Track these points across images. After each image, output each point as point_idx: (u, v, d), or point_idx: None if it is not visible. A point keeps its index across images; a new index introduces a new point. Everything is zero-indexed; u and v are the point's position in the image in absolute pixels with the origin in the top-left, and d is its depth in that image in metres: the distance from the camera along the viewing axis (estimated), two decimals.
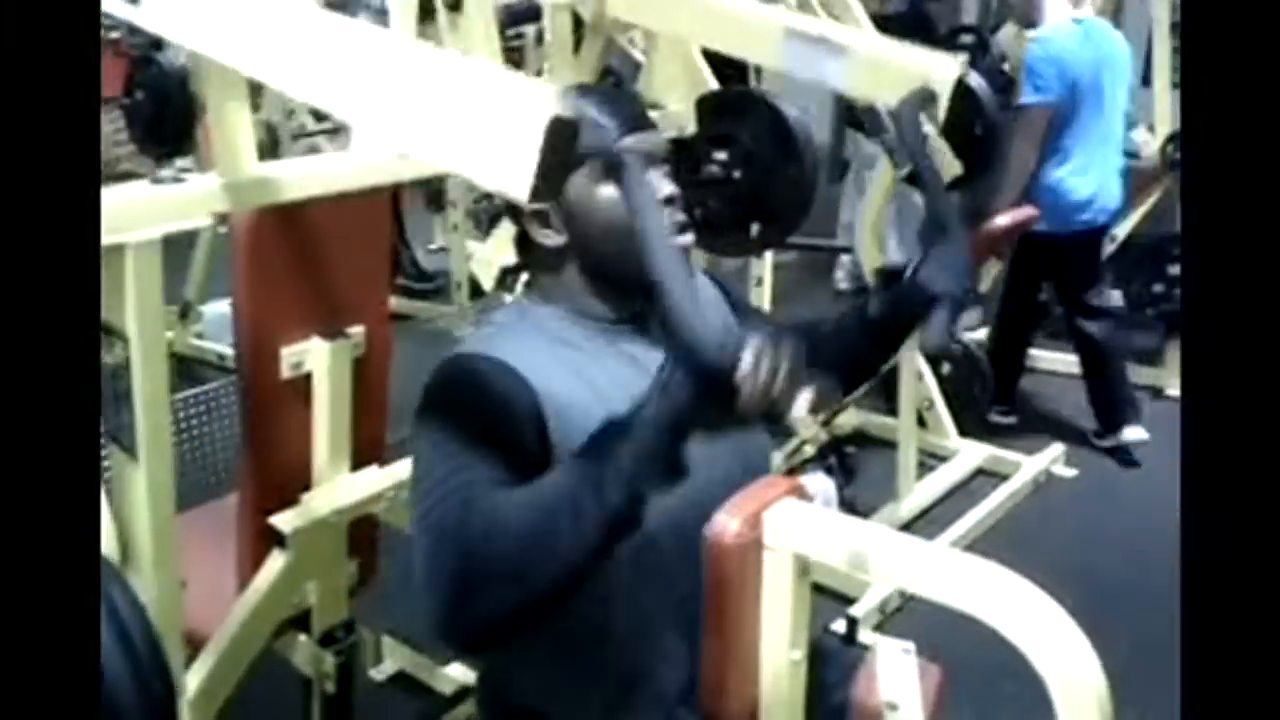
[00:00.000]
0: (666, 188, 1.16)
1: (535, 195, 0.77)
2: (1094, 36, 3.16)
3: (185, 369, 3.90)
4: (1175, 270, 3.55)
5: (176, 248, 1.25)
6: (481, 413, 1.08)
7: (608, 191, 1.13)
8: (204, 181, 1.16)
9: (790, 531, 1.05)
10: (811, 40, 1.55)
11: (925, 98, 1.43)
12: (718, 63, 2.39)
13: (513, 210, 1.19)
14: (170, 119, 1.44)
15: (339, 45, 0.91)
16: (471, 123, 0.80)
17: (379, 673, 2.28)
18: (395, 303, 4.48)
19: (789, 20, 1.60)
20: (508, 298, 1.92)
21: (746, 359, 0.85)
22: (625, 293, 1.18)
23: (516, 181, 0.76)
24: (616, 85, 2.25)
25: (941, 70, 1.53)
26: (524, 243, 1.21)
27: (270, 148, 3.80)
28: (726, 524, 1.04)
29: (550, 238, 1.16)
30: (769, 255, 3.35)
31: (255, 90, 3.95)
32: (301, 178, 1.28)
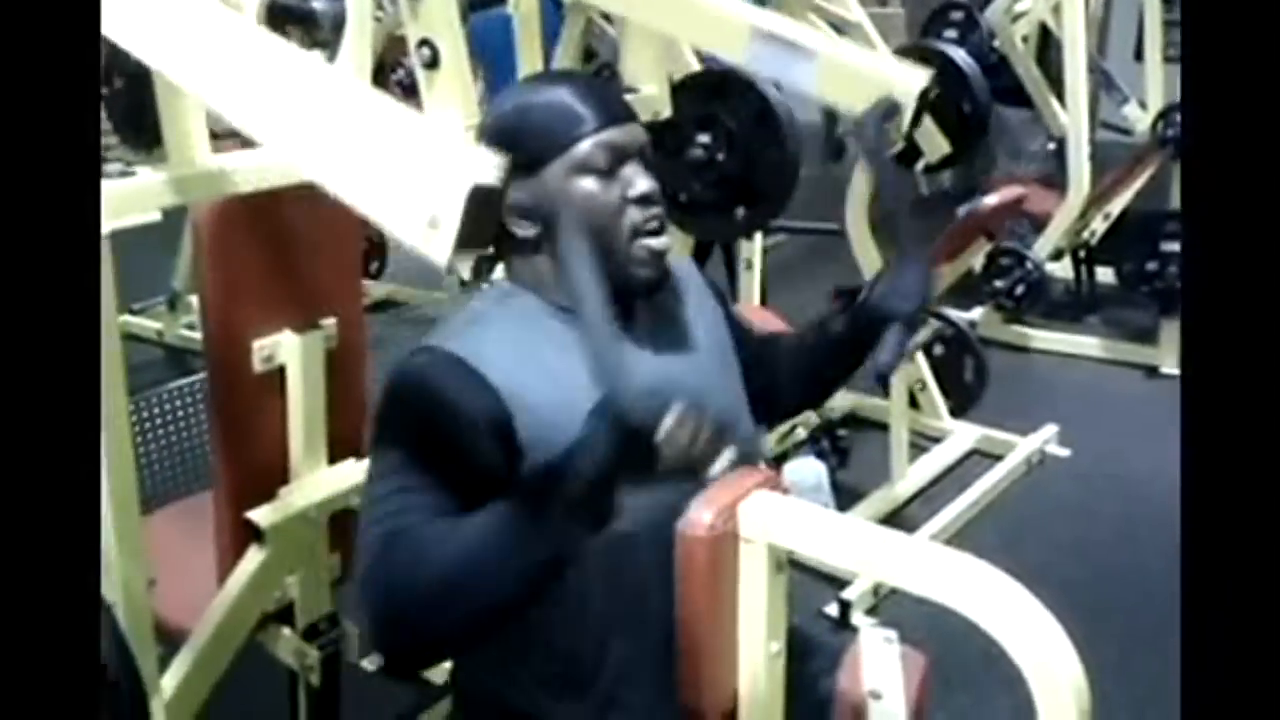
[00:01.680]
0: (643, 184, 1.14)
1: (467, 249, 0.79)
2: None
3: (176, 359, 3.89)
4: (1168, 247, 3.53)
5: (164, 237, 1.23)
6: (430, 426, 1.06)
7: (583, 184, 1.11)
8: (152, 175, 1.13)
9: (766, 523, 1.03)
10: (779, 42, 1.54)
11: (889, 110, 1.44)
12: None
13: None
14: (150, 107, 1.41)
15: (279, 75, 0.91)
16: (397, 179, 0.82)
17: (370, 663, 2.27)
18: (385, 288, 4.53)
19: (758, 19, 1.59)
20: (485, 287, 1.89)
21: (667, 424, 0.87)
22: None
23: (436, 247, 0.78)
24: (608, 71, 2.21)
25: (908, 82, 1.54)
26: (499, 236, 1.18)
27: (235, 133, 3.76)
28: (700, 517, 1.03)
29: (524, 228, 1.14)
30: (759, 238, 3.33)
31: None
32: (257, 169, 1.25)
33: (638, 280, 1.15)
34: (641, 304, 1.19)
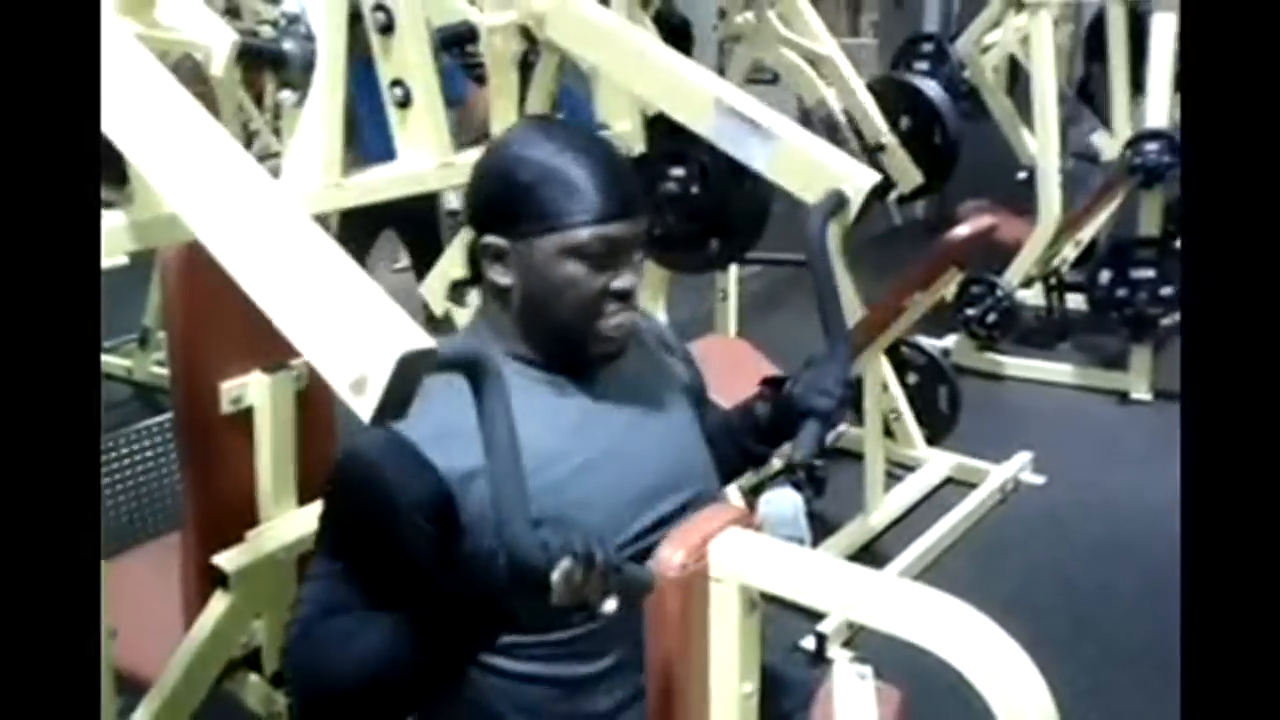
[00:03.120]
0: (628, 280, 1.12)
1: (388, 415, 0.81)
2: None
3: (146, 397, 3.84)
4: (1139, 274, 3.57)
5: (135, 273, 1.22)
6: (368, 516, 1.09)
7: (570, 268, 1.09)
8: (119, 218, 1.13)
9: (737, 562, 1.03)
10: (742, 119, 1.58)
11: (837, 204, 1.49)
12: None
13: (472, 226, 1.15)
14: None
15: (229, 184, 0.96)
16: (328, 330, 0.84)
17: None
18: None
19: (723, 92, 1.62)
20: (459, 313, 1.89)
21: (559, 572, 0.89)
22: (559, 354, 1.16)
23: (362, 408, 0.81)
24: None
25: (858, 179, 1.59)
26: (475, 263, 1.18)
27: None
28: (671, 557, 1.02)
29: (501, 275, 1.13)
30: (734, 270, 3.34)
31: (210, 107, 3.93)
32: None
33: (597, 353, 1.15)
34: (599, 363, 1.18)
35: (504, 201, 1.11)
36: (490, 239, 1.12)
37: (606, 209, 1.08)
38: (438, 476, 1.06)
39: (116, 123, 0.99)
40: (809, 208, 1.43)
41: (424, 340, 0.81)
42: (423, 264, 4.12)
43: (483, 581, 1.05)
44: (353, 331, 0.83)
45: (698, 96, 1.58)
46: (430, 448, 1.06)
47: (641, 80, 1.74)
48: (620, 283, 1.11)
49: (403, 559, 1.07)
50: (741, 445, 1.37)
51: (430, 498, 1.06)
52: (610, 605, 0.93)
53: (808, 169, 1.52)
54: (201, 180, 0.96)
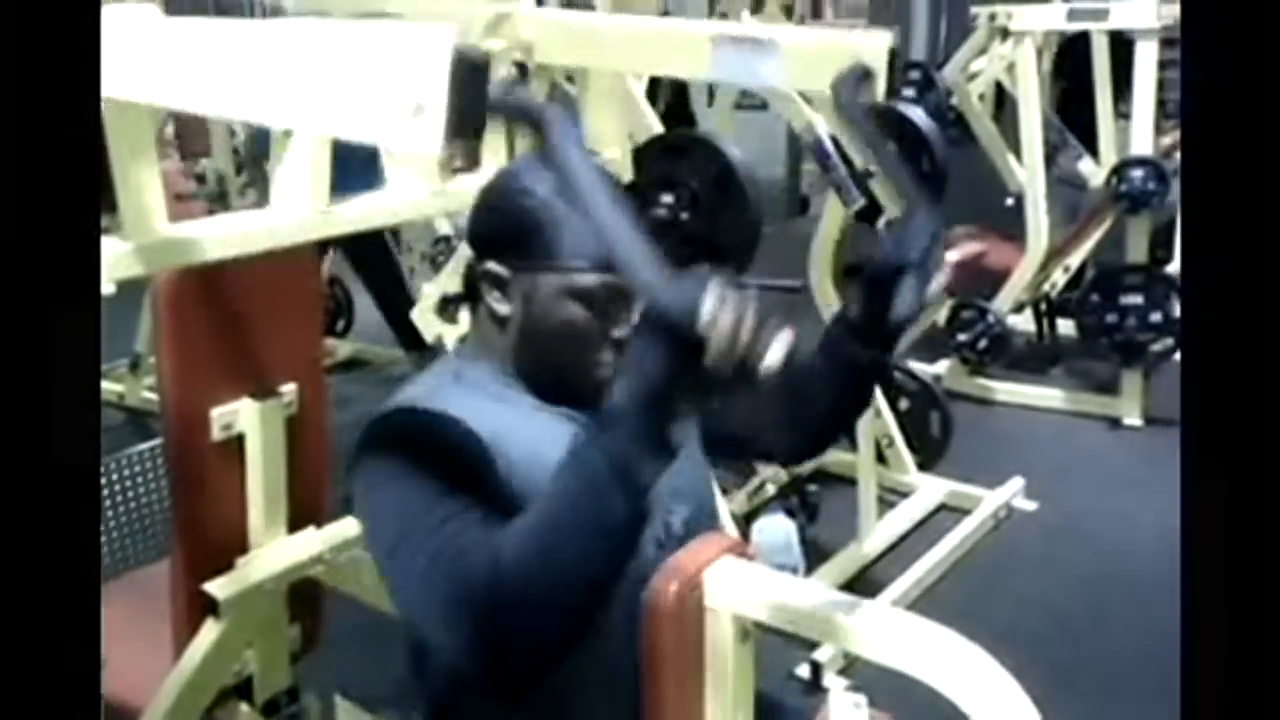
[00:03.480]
0: (628, 328, 1.10)
1: (457, 132, 0.71)
2: None
3: (137, 423, 3.83)
4: (1128, 300, 3.59)
5: (126, 298, 1.20)
6: (440, 458, 1.02)
7: (571, 309, 1.08)
8: (108, 246, 1.12)
9: (731, 592, 1.03)
10: (738, 43, 1.53)
11: (861, 75, 1.39)
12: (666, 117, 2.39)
13: (474, 250, 1.15)
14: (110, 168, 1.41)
15: (220, 47, 0.86)
16: (372, 81, 0.73)
17: None
18: (351, 347, 4.50)
19: (713, 29, 1.59)
20: (448, 331, 1.88)
21: (708, 302, 0.78)
22: (554, 389, 1.14)
23: (426, 135, 0.70)
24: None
25: (872, 45, 1.46)
26: (472, 290, 1.17)
27: (219, 198, 3.76)
28: (666, 587, 1.02)
29: (499, 303, 1.13)
30: None
31: (204, 137, 3.93)
32: (215, 238, 1.24)
33: (586, 393, 1.12)
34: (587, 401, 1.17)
35: (511, 231, 1.10)
36: (492, 265, 1.11)
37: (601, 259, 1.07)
38: (480, 441, 1.05)
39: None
40: (834, 86, 1.36)
41: (479, 51, 0.73)
42: (373, 286, 4.11)
43: None
44: (395, 61, 0.72)
45: (691, 41, 1.56)
46: (465, 420, 1.05)
47: (635, 55, 1.72)
48: (619, 330, 1.10)
49: (495, 496, 1.00)
50: (848, 362, 1.22)
51: (468, 434, 1.04)
52: (776, 353, 0.80)
53: (821, 59, 1.46)
54: (196, 52, 0.88)
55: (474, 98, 0.72)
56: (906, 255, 1.17)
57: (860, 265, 1.27)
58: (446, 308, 1.99)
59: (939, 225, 1.19)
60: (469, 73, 0.71)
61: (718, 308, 0.78)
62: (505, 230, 1.11)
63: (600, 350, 1.11)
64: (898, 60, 1.51)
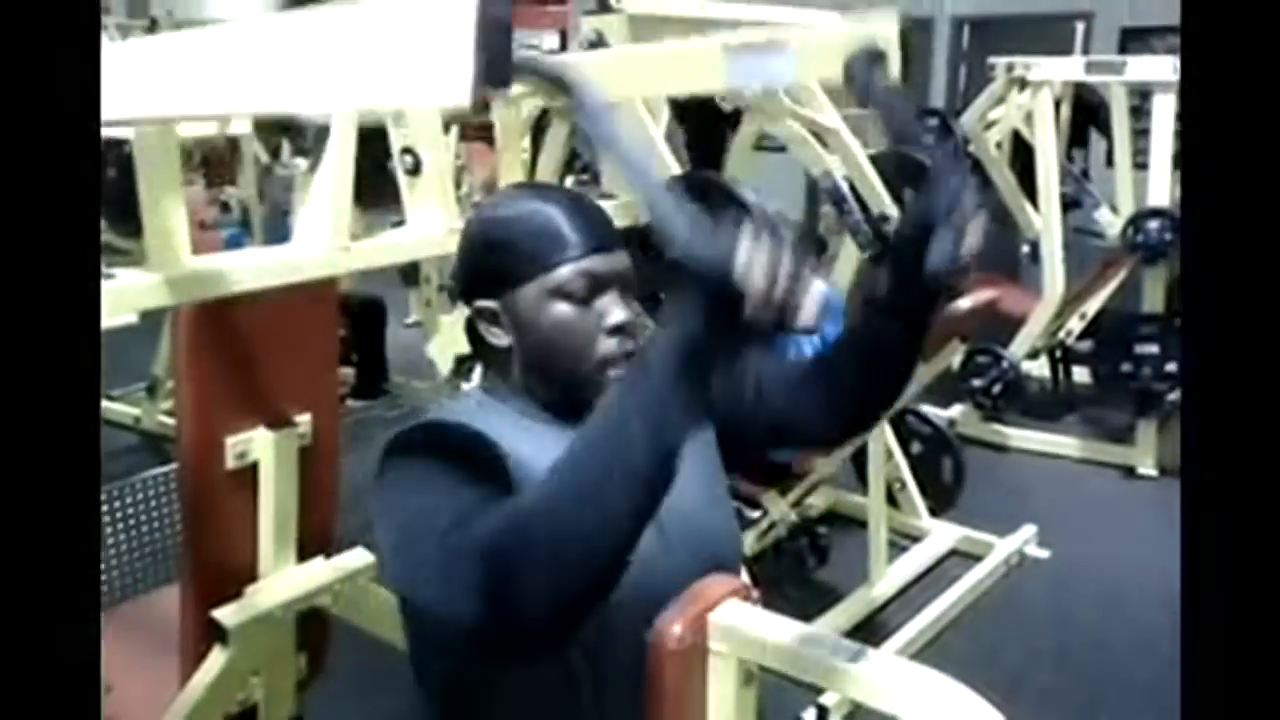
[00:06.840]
0: (619, 314, 1.11)
1: (485, 81, 0.71)
2: None
3: (153, 446, 3.85)
4: (1143, 349, 3.58)
5: (145, 323, 1.22)
6: (459, 456, 1.02)
7: (558, 309, 1.10)
8: (131, 277, 1.14)
9: (736, 635, 1.02)
10: (751, 49, 1.54)
11: (874, 56, 1.37)
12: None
13: (464, 300, 1.17)
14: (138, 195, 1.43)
15: (250, 47, 0.87)
16: (400, 48, 0.75)
17: None
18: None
19: (722, 39, 1.61)
20: (466, 386, 1.90)
21: (743, 247, 0.77)
22: (570, 401, 1.16)
23: (456, 89, 0.71)
24: (589, 175, 2.26)
25: (881, 27, 1.44)
26: (473, 333, 1.19)
27: (243, 225, 3.81)
28: (670, 628, 1.02)
29: (498, 337, 1.14)
30: None
31: (229, 169, 3.98)
32: (237, 271, 1.26)
33: (604, 392, 1.15)
34: None
35: (484, 262, 1.13)
36: (481, 303, 1.14)
37: (582, 245, 1.10)
38: (487, 436, 1.06)
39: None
40: (846, 69, 1.35)
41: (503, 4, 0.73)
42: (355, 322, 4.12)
43: None
44: (419, 23, 0.74)
45: (703, 57, 1.58)
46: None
47: (650, 78, 1.74)
48: (611, 319, 1.11)
49: (493, 462, 1.02)
50: (882, 327, 1.17)
51: (488, 441, 1.05)
52: (810, 309, 0.78)
53: (832, 51, 1.46)
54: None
55: (500, 50, 0.73)
56: (936, 212, 1.11)
57: (883, 254, 1.24)
58: (461, 367, 2.01)
59: (968, 184, 1.13)
60: (494, 25, 0.72)
61: (752, 252, 0.77)
62: (479, 265, 1.14)
63: (598, 342, 1.11)
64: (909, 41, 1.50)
